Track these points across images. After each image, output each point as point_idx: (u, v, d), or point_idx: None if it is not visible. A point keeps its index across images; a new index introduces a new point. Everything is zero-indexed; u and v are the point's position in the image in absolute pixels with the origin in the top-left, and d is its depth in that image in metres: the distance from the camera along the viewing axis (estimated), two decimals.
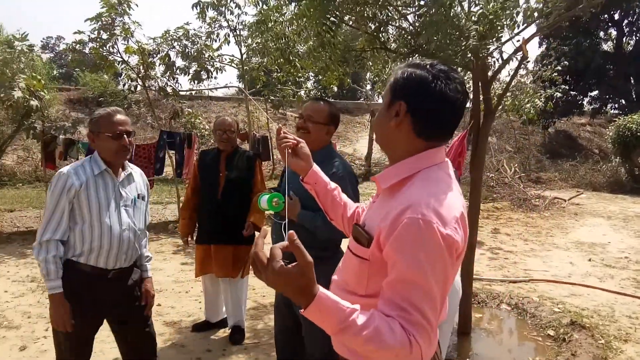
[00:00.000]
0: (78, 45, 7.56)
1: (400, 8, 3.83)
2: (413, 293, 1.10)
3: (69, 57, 7.77)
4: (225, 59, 9.04)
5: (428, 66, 1.25)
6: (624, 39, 25.43)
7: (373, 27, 3.68)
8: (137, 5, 7.44)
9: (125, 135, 2.36)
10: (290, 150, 1.71)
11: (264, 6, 4.23)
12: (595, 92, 24.23)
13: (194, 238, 3.88)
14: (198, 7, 7.95)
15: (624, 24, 24.06)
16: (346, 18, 3.57)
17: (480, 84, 3.89)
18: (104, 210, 2.31)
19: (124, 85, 7.92)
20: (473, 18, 3.49)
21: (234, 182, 3.64)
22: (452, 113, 1.26)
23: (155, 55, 7.89)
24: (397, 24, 3.90)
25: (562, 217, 9.99)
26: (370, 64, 4.02)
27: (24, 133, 7.20)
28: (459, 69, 3.83)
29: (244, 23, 8.51)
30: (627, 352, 3.82)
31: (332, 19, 3.22)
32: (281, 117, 19.74)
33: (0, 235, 6.97)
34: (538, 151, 18.35)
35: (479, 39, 3.43)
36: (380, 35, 3.78)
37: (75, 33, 7.35)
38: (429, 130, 1.26)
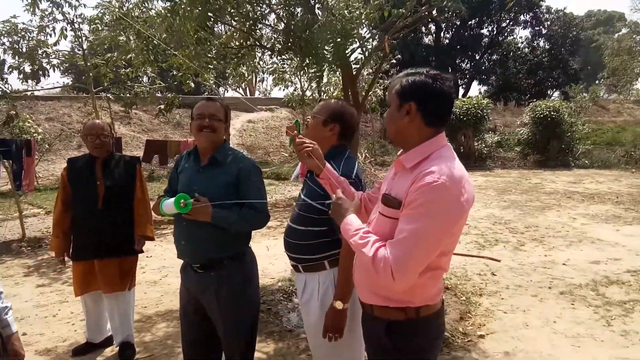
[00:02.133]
0: None
1: (273, 6, 3.93)
2: (410, 235, 1.51)
3: None
4: (64, 56, 8.15)
5: (424, 72, 1.65)
6: (442, 34, 28.86)
7: (248, 24, 3.71)
8: None
9: None
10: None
11: (126, 3, 3.96)
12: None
13: (70, 255, 3.52)
14: None
15: (440, 20, 27.21)
16: (223, 16, 3.56)
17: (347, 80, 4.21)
18: None
19: None
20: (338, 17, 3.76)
21: (114, 190, 3.39)
22: (449, 103, 1.68)
23: None
24: (270, 22, 3.99)
25: None
26: (247, 60, 4.04)
27: None
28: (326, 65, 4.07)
29: (82, 16, 7.78)
30: (484, 304, 4.52)
31: (211, 17, 3.19)
32: (124, 116, 18.42)
33: None
34: (379, 137, 20.03)
35: (342, 38, 3.70)
36: (254, 32, 3.84)
37: None
38: (435, 119, 1.66)
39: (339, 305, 2.13)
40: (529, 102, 18.86)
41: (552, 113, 15.69)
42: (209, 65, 3.90)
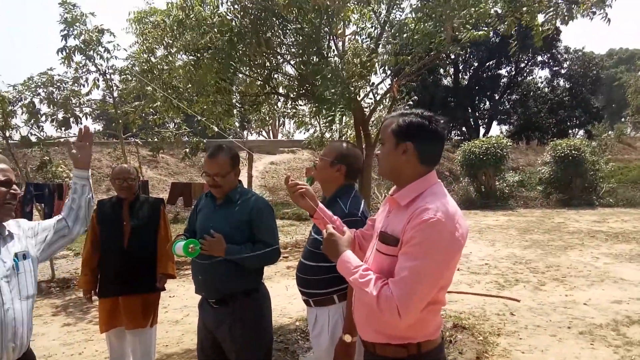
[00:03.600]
0: None
1: (285, 55, 4.21)
2: (411, 273, 1.57)
3: None
4: (96, 104, 8.65)
5: (419, 113, 1.76)
6: (460, 75, 29.24)
7: (264, 74, 3.98)
8: None
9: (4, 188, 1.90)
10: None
11: (152, 57, 4.30)
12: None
13: (97, 292, 3.71)
14: (64, 52, 7.59)
15: (459, 62, 27.71)
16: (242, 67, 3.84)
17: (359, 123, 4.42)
18: None
19: None
20: (349, 64, 4.01)
21: (140, 230, 3.60)
22: (443, 143, 1.80)
23: (16, 104, 7.29)
24: (284, 71, 4.26)
25: None
26: (265, 106, 4.30)
27: None
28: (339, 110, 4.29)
29: (113, 67, 8.30)
30: (502, 344, 4.49)
31: (230, 69, 3.46)
32: (152, 160, 19.07)
33: None
34: None
35: (353, 84, 3.94)
36: (271, 81, 4.10)
37: None
38: (430, 159, 1.77)
39: (347, 338, 2.22)
40: (551, 140, 18.78)
41: (573, 152, 15.60)
42: (230, 112, 4.16)
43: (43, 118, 7.48)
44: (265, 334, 2.69)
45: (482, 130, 30.68)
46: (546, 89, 31.33)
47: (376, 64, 3.80)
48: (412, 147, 1.72)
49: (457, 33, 3.71)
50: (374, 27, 4.04)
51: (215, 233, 2.53)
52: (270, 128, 29.96)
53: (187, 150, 9.83)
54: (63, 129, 7.80)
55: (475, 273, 7.30)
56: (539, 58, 29.95)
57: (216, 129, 7.82)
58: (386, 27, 4.14)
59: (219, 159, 2.67)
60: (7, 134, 7.39)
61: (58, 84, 7.73)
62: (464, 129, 30.06)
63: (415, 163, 1.74)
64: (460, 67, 28.97)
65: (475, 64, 29.06)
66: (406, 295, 1.56)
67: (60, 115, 7.58)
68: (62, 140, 8.12)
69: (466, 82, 29.64)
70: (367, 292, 1.62)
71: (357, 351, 2.26)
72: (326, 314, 2.44)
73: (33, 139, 7.69)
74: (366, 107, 4.29)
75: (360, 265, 1.73)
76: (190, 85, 4.15)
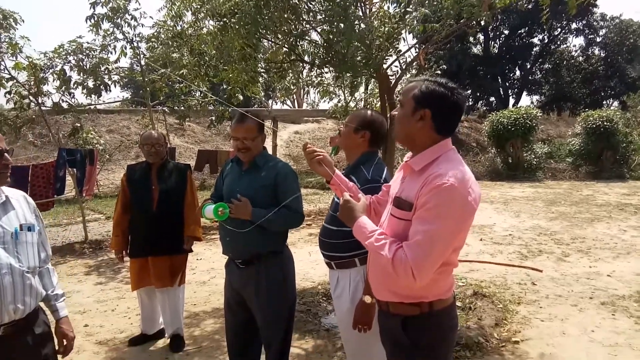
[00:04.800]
0: None
1: (312, 22, 4.19)
2: (425, 236, 1.61)
3: None
4: (124, 72, 8.78)
5: (443, 83, 1.75)
6: (490, 43, 28.39)
7: (290, 40, 3.98)
8: (23, 21, 7.03)
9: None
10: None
11: (180, 23, 4.33)
12: (469, 91, 26.70)
13: (128, 252, 3.88)
14: (92, 20, 7.67)
15: (489, 29, 26.84)
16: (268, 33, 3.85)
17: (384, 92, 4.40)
18: None
19: (15, 103, 7.37)
20: (376, 32, 3.96)
21: (167, 194, 3.73)
22: (460, 115, 1.81)
23: (47, 71, 7.46)
24: (310, 38, 4.25)
25: None
26: (290, 74, 4.32)
27: None
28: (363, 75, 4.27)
29: (140, 35, 8.35)
30: (521, 312, 4.53)
31: (256, 35, 3.48)
32: (179, 128, 19.32)
33: None
34: None
35: (379, 51, 3.90)
36: (297, 48, 4.10)
37: None
38: (446, 128, 1.78)
39: (367, 299, 2.30)
40: (583, 111, 18.24)
41: (605, 123, 15.14)
42: (256, 79, 4.19)
43: (74, 85, 7.62)
44: (289, 294, 2.79)
45: (511, 101, 29.94)
46: (580, 58, 30.18)
47: (403, 32, 3.75)
48: (429, 114, 1.73)
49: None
50: None
51: (242, 197, 2.62)
52: (295, 97, 29.85)
53: (213, 118, 9.92)
54: (93, 95, 7.96)
55: (498, 243, 7.29)
56: (574, 25, 28.76)
57: (241, 97, 7.89)
58: None
59: (247, 123, 2.74)
60: (40, 100, 7.59)
61: (87, 52, 7.84)
62: (492, 99, 29.37)
63: (430, 131, 1.76)
64: (490, 35, 28.07)
65: (506, 32, 28.11)
66: (420, 258, 1.61)
67: (90, 83, 7.72)
68: (91, 107, 8.32)
69: (496, 51, 28.77)
70: (382, 255, 1.67)
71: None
72: (347, 276, 2.52)
73: (64, 105, 7.88)
74: (392, 75, 4.25)
75: (375, 230, 1.77)
76: (216, 52, 4.18)
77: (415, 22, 4.18)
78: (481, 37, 27.86)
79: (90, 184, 8.06)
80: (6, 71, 7.09)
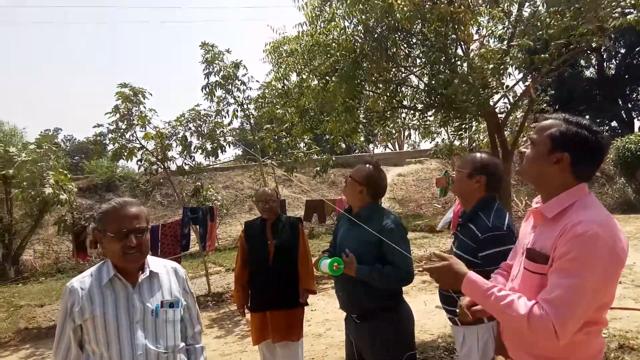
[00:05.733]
0: (98, 138, 7.96)
1: (411, 68, 4.20)
2: (567, 291, 1.46)
3: (91, 149, 8.16)
4: (236, 132, 9.47)
5: (584, 125, 1.60)
6: (605, 64, 26.28)
7: (391, 88, 4.01)
8: (151, 95, 7.93)
9: (132, 235, 1.84)
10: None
11: (286, 82, 4.62)
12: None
13: (248, 307, 4.01)
14: (207, 89, 8.46)
15: (602, 50, 24.93)
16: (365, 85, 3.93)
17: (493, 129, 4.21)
18: (112, 332, 1.81)
19: (145, 170, 8.26)
20: (479, 70, 3.85)
21: (282, 248, 3.84)
22: (602, 160, 1.64)
23: (171, 138, 8.29)
24: (410, 84, 4.25)
25: None
26: (390, 123, 4.33)
27: (55, 227, 7.44)
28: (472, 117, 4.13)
29: (249, 97, 9.02)
30: None
31: (356, 88, 3.56)
32: (286, 179, 20.17)
33: (39, 331, 7.04)
34: None
35: (485, 89, 3.76)
36: (397, 95, 4.12)
37: (94, 127, 7.79)
38: (585, 174, 1.63)
39: None
40: None
41: None
42: (357, 129, 4.26)
43: (194, 149, 8.37)
44: (406, 350, 2.67)
45: (637, 124, 27.06)
46: None
47: (509, 67, 3.61)
48: (567, 158, 1.59)
49: (602, 23, 3.36)
50: (504, 28, 3.86)
51: (349, 252, 2.60)
52: (395, 140, 29.84)
53: (318, 168, 10.23)
54: (211, 157, 8.65)
55: None
56: None
57: (344, 146, 8.06)
58: (518, 26, 3.91)
59: (349, 180, 2.78)
60: (166, 165, 8.40)
61: (204, 118, 8.62)
62: (614, 123, 26.82)
63: (566, 175, 1.61)
64: (605, 56, 25.99)
65: (622, 51, 25.85)
66: (563, 314, 1.45)
67: (209, 146, 8.43)
68: (209, 166, 9.02)
69: (613, 72, 26.49)
70: (512, 314, 1.52)
71: None
72: (475, 333, 2.35)
73: (186, 167, 8.63)
74: (500, 112, 4.08)
75: (492, 287, 1.61)
76: (318, 107, 4.34)
77: (520, 54, 4.02)
78: (594, 59, 25.89)
79: (212, 239, 8.64)
80: (137, 141, 7.98)
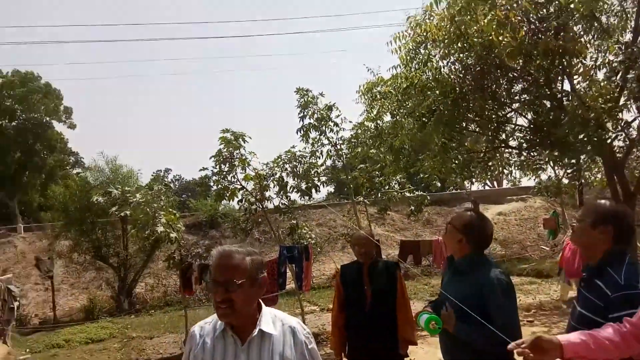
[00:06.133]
0: (203, 180, 8.49)
1: (514, 105, 4.00)
2: None
3: (197, 190, 8.70)
4: (328, 172, 9.62)
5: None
6: None
7: (493, 127, 3.84)
8: (250, 138, 8.35)
9: (221, 288, 1.70)
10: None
11: (380, 123, 4.63)
12: None
13: (346, 354, 3.93)
14: (302, 131, 8.76)
15: None
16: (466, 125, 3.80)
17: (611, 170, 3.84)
18: None
19: (245, 210, 8.64)
20: (591, 105, 3.56)
21: (379, 294, 3.73)
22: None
23: (269, 179, 8.61)
24: (514, 122, 4.05)
25: None
26: (491, 163, 4.14)
27: (166, 263, 7.96)
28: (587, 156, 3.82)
29: (342, 138, 9.17)
30: None
31: (457, 128, 3.45)
32: (379, 218, 19.98)
33: None
34: None
35: (600, 128, 3.45)
36: (500, 134, 3.93)
37: (200, 170, 8.35)
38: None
39: None
40: None
41: None
42: (461, 168, 4.13)
43: (290, 189, 8.62)
44: None
45: None
46: None
47: (628, 102, 3.30)
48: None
49: None
50: (618, 58, 3.55)
51: (449, 307, 2.46)
52: (494, 177, 28.52)
53: (413, 207, 10.03)
54: (306, 197, 8.83)
55: None
56: None
57: (439, 184, 7.83)
58: (633, 56, 3.59)
59: (449, 227, 2.65)
60: (264, 204, 8.71)
61: (299, 159, 8.88)
62: None
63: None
64: None
65: None
66: None
67: (303, 185, 8.63)
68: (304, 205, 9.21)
69: None
70: (614, 339, 1.70)
71: None
72: None
73: (282, 206, 8.87)
74: (618, 151, 3.72)
75: (584, 335, 1.75)
76: (413, 147, 4.27)
77: (636, 87, 3.66)
78: None
79: (308, 278, 8.71)
80: (238, 182, 8.38)
